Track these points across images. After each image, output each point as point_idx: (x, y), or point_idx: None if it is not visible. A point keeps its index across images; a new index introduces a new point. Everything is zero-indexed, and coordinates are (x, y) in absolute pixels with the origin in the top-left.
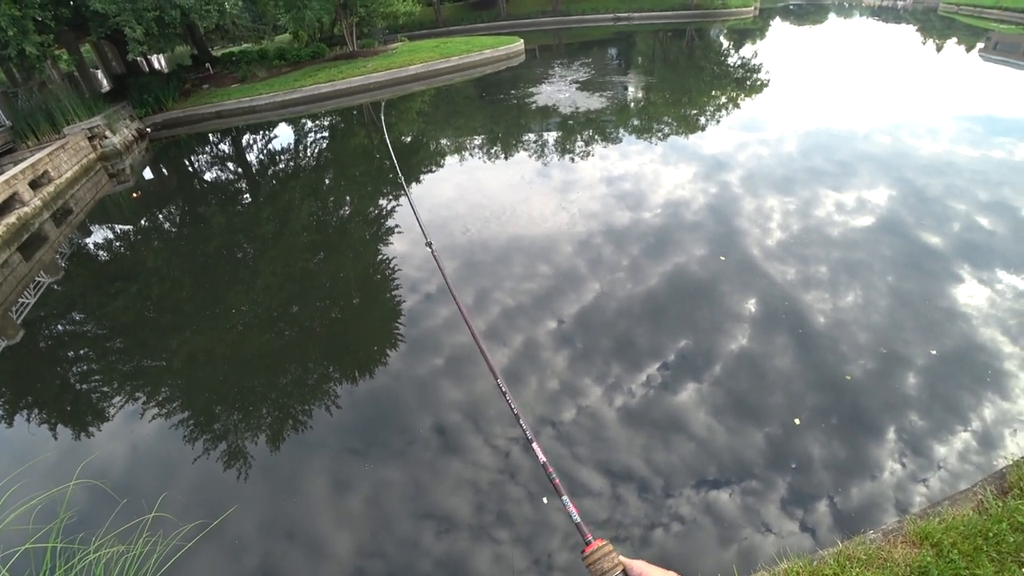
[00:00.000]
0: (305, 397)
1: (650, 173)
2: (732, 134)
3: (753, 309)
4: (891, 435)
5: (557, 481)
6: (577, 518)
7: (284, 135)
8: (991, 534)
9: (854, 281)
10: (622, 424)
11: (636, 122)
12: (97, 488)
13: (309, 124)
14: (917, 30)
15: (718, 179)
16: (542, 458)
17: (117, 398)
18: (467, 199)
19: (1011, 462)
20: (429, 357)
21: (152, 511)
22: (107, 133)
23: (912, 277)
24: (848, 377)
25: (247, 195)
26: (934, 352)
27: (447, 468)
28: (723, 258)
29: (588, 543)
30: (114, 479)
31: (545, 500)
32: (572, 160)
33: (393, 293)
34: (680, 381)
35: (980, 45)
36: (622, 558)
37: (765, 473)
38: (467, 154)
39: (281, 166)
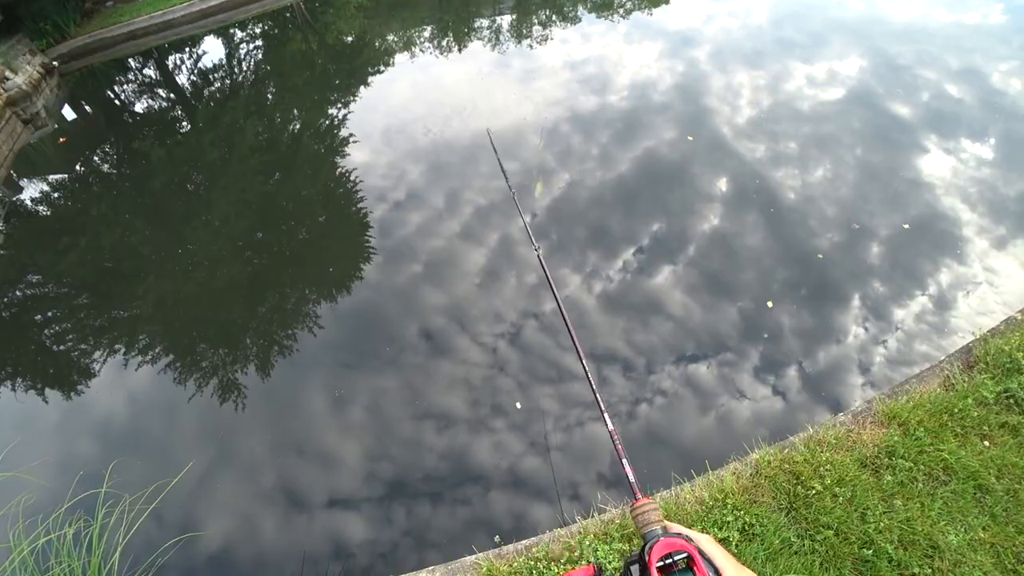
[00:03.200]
0: (287, 322)
1: (614, 54)
2: (699, 5)
3: (724, 189)
4: (856, 304)
5: (620, 447)
6: (632, 478)
7: (213, 50)
8: (956, 410)
9: (824, 156)
10: (602, 310)
11: None
12: (74, 451)
13: (239, 34)
14: None
15: (685, 56)
16: (610, 426)
17: (97, 355)
18: (425, 97)
19: (977, 336)
20: (406, 264)
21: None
22: (6, 74)
23: (880, 149)
24: (820, 256)
25: (185, 123)
26: (906, 226)
27: (439, 369)
28: (691, 138)
29: (637, 498)
30: (119, 432)
31: (518, 405)
32: (531, 47)
33: (359, 206)
34: (656, 264)
35: None
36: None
37: (740, 346)
38: (418, 49)
39: (216, 85)
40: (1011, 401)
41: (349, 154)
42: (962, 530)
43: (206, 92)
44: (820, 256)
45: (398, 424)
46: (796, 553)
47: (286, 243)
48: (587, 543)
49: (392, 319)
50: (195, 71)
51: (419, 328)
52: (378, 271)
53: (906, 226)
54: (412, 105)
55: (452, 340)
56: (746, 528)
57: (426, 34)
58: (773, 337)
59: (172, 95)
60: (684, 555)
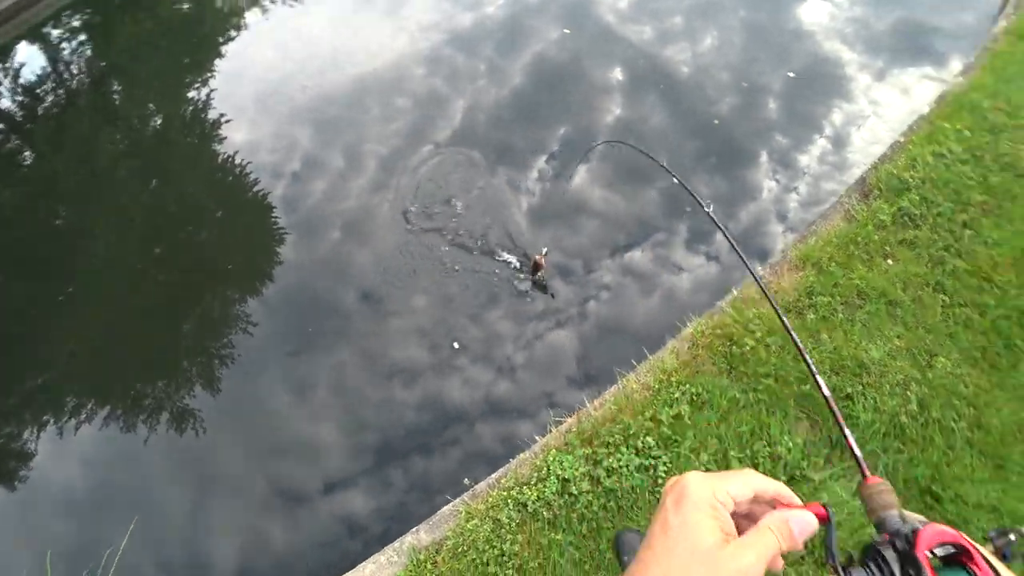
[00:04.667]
0: (218, 331)
1: None
2: None
3: (620, 77)
4: (764, 159)
5: (840, 417)
6: (858, 452)
7: (31, 59)
8: (859, 238)
9: (708, 24)
10: (530, 225)
11: None
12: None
13: (56, 33)
14: None
15: None
16: (827, 392)
17: (26, 436)
18: (291, 55)
19: (869, 166)
20: (323, 234)
21: None
22: None
23: (761, 7)
24: (716, 122)
25: (25, 152)
26: (791, 75)
27: (389, 327)
28: (567, 31)
29: (867, 477)
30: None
31: (456, 345)
32: None
33: (255, 189)
34: (569, 167)
35: None
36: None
37: (668, 224)
38: (269, 3)
39: (49, 99)
40: (905, 218)
41: (225, 136)
42: (881, 344)
43: (39, 110)
44: (716, 122)
45: (366, 391)
46: (744, 407)
47: (188, 251)
48: (551, 457)
49: (326, 293)
50: (17, 89)
51: (357, 292)
52: (296, 250)
53: (792, 74)
54: (279, 65)
55: (392, 292)
56: (694, 399)
57: None
58: (695, 209)
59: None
60: (955, 548)
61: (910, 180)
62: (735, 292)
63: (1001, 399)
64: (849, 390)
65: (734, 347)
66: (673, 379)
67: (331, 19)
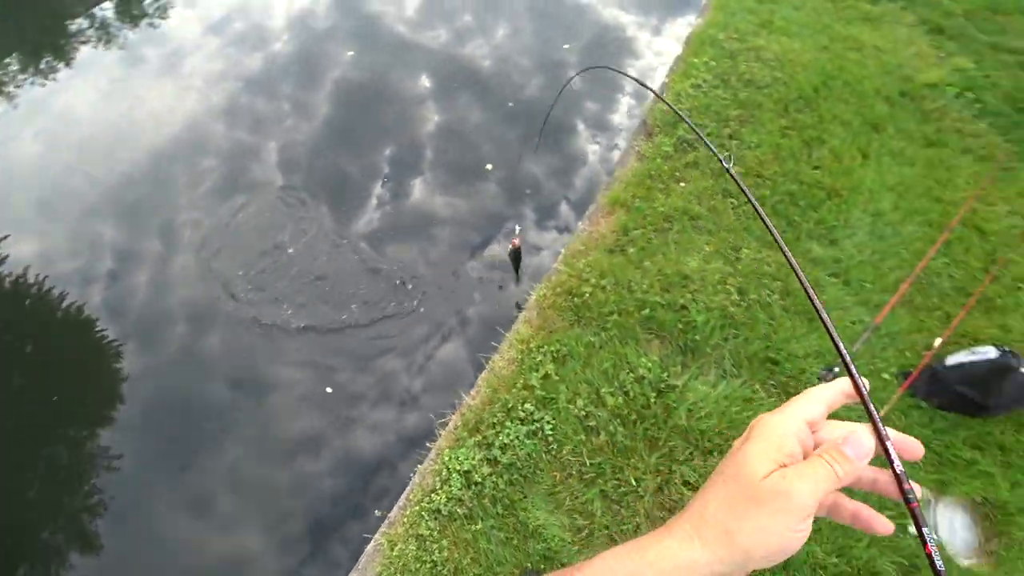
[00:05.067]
0: (78, 478)
1: None
2: None
3: (429, 84)
4: (582, 128)
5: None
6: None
7: None
8: (653, 172)
9: (498, 16)
10: (388, 249)
11: None
12: None
13: None
14: None
15: None
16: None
17: None
18: (62, 142)
19: (647, 108)
20: (165, 330)
21: None
22: None
23: None
24: (510, 103)
25: None
26: (567, 46)
27: (272, 403)
28: (351, 54)
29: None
30: None
31: (329, 389)
32: (153, 25)
33: (65, 305)
34: (407, 183)
35: None
36: None
37: (515, 211)
38: (13, 88)
39: None
40: (684, 145)
41: (7, 255)
42: (696, 254)
43: None
44: (512, 105)
45: (272, 477)
46: (600, 347)
47: (8, 401)
48: (447, 457)
49: (191, 390)
50: None
51: (226, 381)
52: (140, 358)
53: (567, 46)
54: (52, 157)
55: (260, 371)
56: (556, 356)
57: (14, 67)
58: (534, 189)
59: None
60: None
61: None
62: (562, 251)
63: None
64: (682, 301)
65: (575, 298)
66: (532, 345)
67: (100, 91)
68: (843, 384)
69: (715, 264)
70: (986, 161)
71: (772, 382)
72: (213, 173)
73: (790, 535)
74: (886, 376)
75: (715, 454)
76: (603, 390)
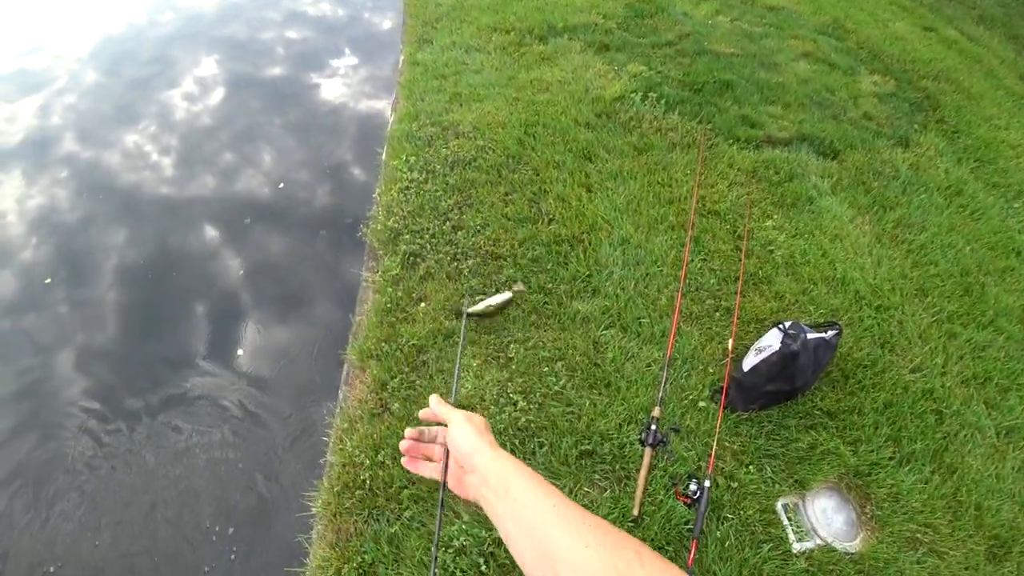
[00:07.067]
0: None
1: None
2: None
3: (216, 233)
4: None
5: None
6: None
7: None
8: (389, 305)
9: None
10: None
11: None
12: None
13: None
14: None
15: None
16: None
17: None
18: None
19: (365, 233)
20: None
21: None
22: None
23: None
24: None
25: None
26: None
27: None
28: (48, 281)
29: None
30: None
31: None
32: None
33: None
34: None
35: None
36: None
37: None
38: None
39: None
40: (411, 258)
41: None
42: (464, 374)
43: None
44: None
45: None
46: (405, 536)
47: None
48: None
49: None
50: None
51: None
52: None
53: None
54: None
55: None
56: (364, 571)
57: None
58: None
59: None
60: None
61: (396, 225)
62: (331, 437)
63: (570, 334)
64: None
65: (358, 490)
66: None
67: None
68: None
69: (488, 376)
70: (691, 148)
71: (597, 475)
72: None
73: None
74: (702, 404)
75: None
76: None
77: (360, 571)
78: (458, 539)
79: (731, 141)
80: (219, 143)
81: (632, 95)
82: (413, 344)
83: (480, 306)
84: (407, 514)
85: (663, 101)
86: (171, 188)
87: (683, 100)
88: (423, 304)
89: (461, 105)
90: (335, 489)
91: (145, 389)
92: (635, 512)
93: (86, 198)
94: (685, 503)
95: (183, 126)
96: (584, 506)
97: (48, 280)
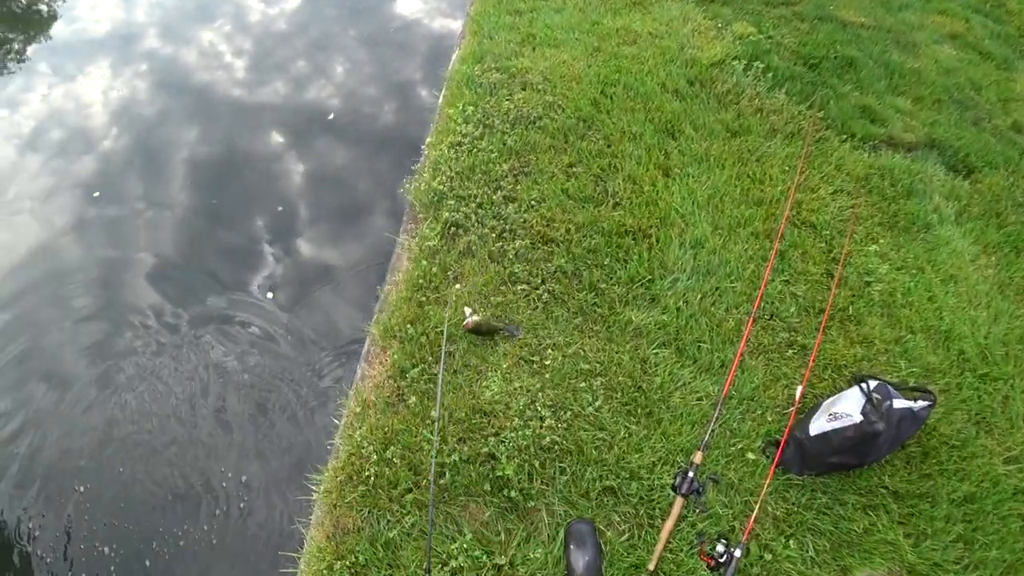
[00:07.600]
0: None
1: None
2: None
3: (282, 139)
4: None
5: None
6: None
7: None
8: (422, 280)
9: (330, 54)
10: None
11: None
12: None
13: None
14: None
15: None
16: None
17: None
18: None
19: (406, 189)
20: None
21: None
22: None
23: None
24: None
25: None
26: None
27: None
28: (96, 195)
29: None
30: None
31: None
32: None
33: None
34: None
35: None
36: None
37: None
38: None
39: None
40: (453, 229)
41: None
42: (492, 375)
43: None
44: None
45: None
46: (402, 543)
47: None
48: None
49: None
50: None
51: None
52: None
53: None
54: None
55: None
56: (354, 571)
57: None
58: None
59: None
60: None
61: (441, 187)
62: (343, 419)
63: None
64: (485, 449)
65: (360, 485)
66: (323, 566)
67: None
68: None
69: (517, 382)
70: (795, 138)
71: (617, 516)
72: (79, 300)
73: None
74: (751, 456)
75: None
76: None
77: (352, 571)
78: (456, 558)
79: (844, 136)
80: (293, 50)
81: (734, 62)
82: (440, 331)
83: (478, 318)
84: (408, 520)
85: (770, 74)
86: (243, 91)
87: (794, 76)
88: (458, 286)
89: (533, 49)
90: (338, 479)
91: (209, 287)
92: (650, 566)
93: (162, 91)
94: (708, 565)
95: (257, 28)
96: (597, 547)
97: (96, 194)
